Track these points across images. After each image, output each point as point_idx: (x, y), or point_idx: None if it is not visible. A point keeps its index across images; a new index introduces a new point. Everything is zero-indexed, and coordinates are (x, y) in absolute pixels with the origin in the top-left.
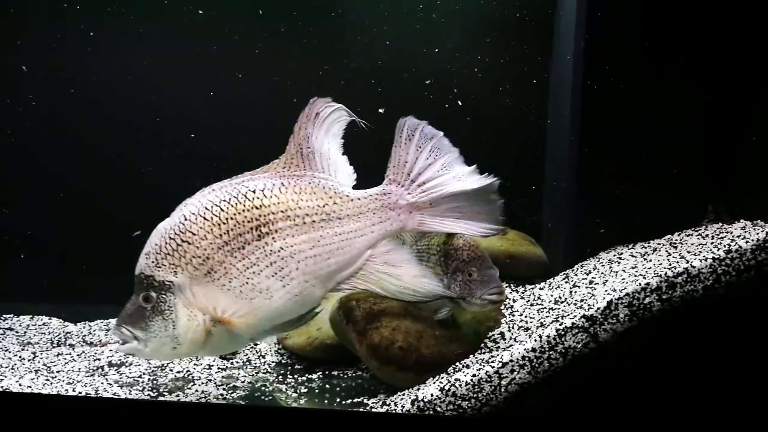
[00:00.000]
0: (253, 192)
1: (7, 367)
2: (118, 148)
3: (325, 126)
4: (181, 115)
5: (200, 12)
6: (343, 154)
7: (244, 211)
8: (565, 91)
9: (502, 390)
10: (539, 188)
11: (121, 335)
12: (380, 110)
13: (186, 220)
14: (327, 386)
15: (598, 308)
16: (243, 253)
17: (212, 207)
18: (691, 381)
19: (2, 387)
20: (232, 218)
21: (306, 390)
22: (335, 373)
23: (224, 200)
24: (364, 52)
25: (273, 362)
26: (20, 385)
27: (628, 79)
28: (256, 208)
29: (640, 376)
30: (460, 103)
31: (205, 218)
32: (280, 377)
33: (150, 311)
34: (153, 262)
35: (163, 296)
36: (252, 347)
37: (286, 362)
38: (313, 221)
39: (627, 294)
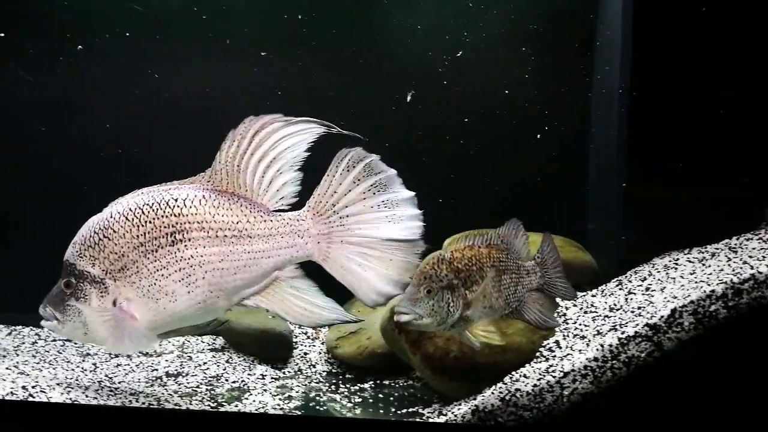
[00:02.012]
0: (175, 200)
1: (72, 379)
2: (166, 159)
3: (266, 146)
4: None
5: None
6: (297, 170)
7: (162, 217)
8: (612, 93)
9: (565, 400)
10: (584, 192)
11: (44, 313)
12: (409, 95)
13: (111, 217)
14: (380, 395)
15: (662, 316)
16: (155, 256)
17: (135, 209)
18: (761, 391)
19: (71, 399)
20: (150, 222)
21: (360, 400)
22: (386, 382)
23: (147, 204)
24: (399, 55)
25: (324, 371)
26: (87, 396)
27: (679, 79)
28: (174, 215)
29: (706, 385)
30: (542, 134)
31: (127, 218)
32: (333, 387)
33: (68, 296)
34: (77, 251)
35: (81, 284)
36: (303, 356)
37: (336, 371)
38: (225, 236)
39: (691, 301)
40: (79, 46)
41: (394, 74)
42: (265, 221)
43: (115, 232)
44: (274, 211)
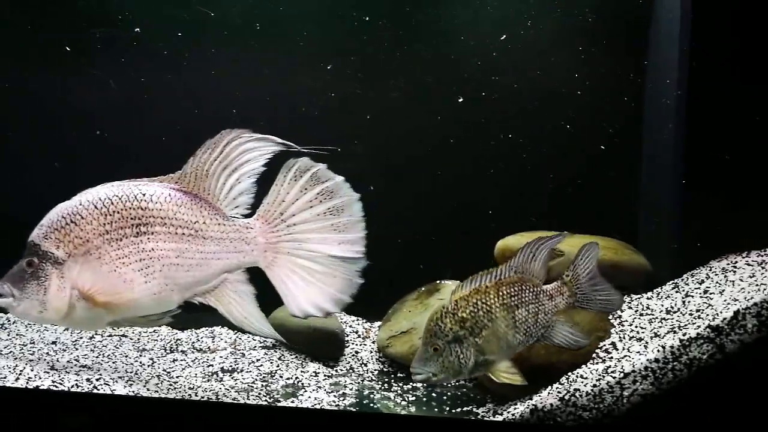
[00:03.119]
0: (143, 195)
1: (132, 373)
2: None
3: (232, 156)
4: None
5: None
6: (255, 182)
7: (130, 209)
8: (668, 91)
9: (625, 401)
10: (635, 195)
11: (2, 289)
12: (459, 100)
13: (80, 205)
14: (433, 395)
15: (724, 318)
16: (119, 245)
17: (104, 199)
18: None
19: (133, 392)
20: (118, 212)
21: (413, 398)
22: None
23: (116, 196)
24: (450, 54)
25: (375, 370)
26: (148, 390)
27: (738, 77)
28: (141, 209)
29: None
30: (594, 133)
31: (95, 207)
32: (385, 385)
33: (29, 275)
34: (43, 233)
35: (43, 265)
36: (354, 355)
37: (387, 370)
38: (183, 234)
39: (755, 304)
40: (138, 28)
41: (445, 73)
42: (218, 224)
43: (82, 218)
44: (229, 217)
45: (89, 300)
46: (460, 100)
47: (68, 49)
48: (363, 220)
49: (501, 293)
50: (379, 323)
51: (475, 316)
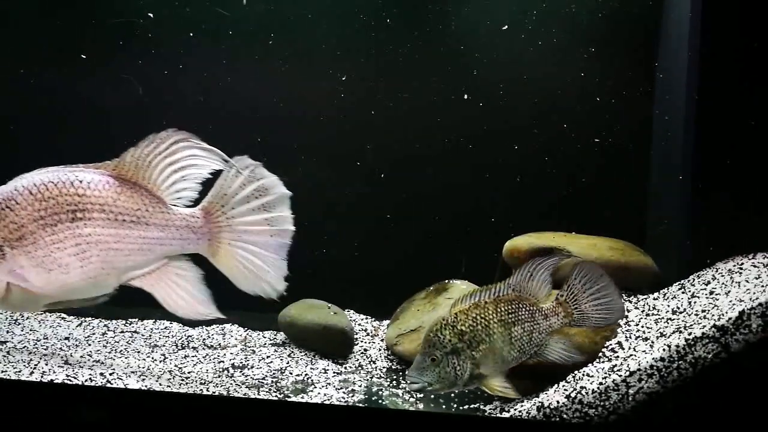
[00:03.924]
0: (80, 182)
1: (145, 368)
2: None
3: (179, 155)
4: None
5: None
6: (198, 183)
7: (66, 195)
8: (678, 90)
9: (630, 399)
10: (644, 196)
11: None
12: (465, 96)
13: (15, 190)
14: (440, 392)
15: (730, 318)
16: (54, 230)
17: (40, 185)
18: None
19: (146, 386)
20: (53, 198)
21: (421, 395)
22: None
23: (52, 182)
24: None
25: (384, 368)
26: (160, 384)
27: (749, 76)
28: (78, 195)
29: None
30: (603, 134)
31: (30, 192)
32: (394, 382)
33: None
34: None
35: None
36: (363, 353)
37: (396, 368)
38: (124, 220)
39: (760, 304)
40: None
41: (457, 75)
42: (162, 212)
43: (17, 204)
44: (171, 205)
45: (23, 284)
46: (466, 97)
47: (83, 57)
48: (291, 215)
49: (499, 309)
50: (387, 321)
51: (474, 330)
